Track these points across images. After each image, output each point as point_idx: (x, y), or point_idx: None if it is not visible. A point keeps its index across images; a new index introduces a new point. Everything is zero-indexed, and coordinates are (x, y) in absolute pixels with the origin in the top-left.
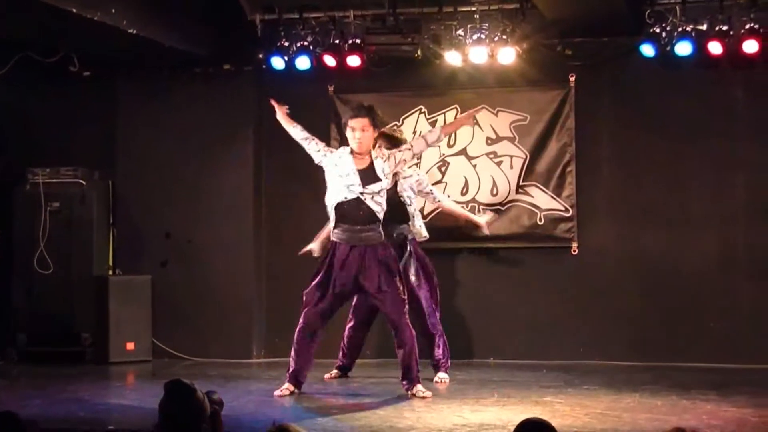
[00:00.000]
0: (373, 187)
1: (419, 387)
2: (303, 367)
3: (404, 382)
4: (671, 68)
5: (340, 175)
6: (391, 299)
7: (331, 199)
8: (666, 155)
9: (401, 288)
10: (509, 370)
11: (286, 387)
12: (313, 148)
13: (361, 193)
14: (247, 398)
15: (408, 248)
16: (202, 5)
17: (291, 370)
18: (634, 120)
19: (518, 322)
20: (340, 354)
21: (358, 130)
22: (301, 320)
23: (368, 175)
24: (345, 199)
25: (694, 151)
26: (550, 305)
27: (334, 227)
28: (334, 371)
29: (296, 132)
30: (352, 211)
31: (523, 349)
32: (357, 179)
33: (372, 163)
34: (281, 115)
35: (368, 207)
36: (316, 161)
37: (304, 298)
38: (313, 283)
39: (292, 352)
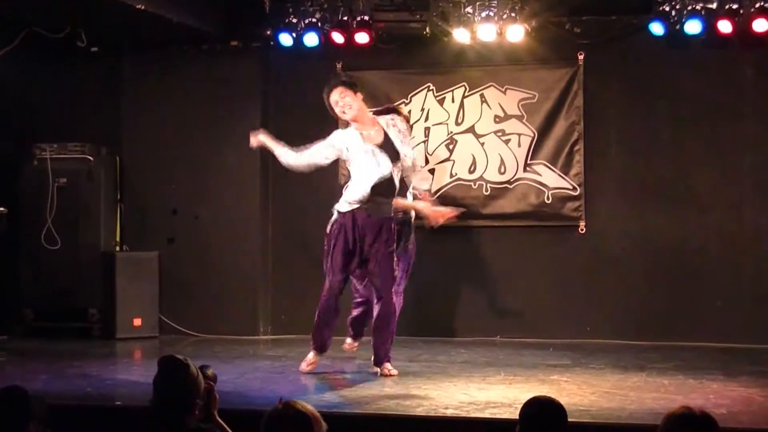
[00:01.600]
0: (399, 162)
1: (388, 365)
2: (328, 338)
3: (374, 359)
4: (680, 47)
5: (365, 151)
6: (382, 271)
7: (367, 179)
8: (674, 134)
9: (394, 262)
10: (515, 348)
11: (312, 359)
12: (320, 154)
13: (392, 171)
14: (254, 375)
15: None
16: None
17: (317, 342)
18: (642, 99)
19: (525, 301)
20: (350, 330)
21: (340, 100)
22: (325, 292)
23: (390, 149)
24: (379, 180)
25: (702, 130)
26: (556, 284)
27: (361, 199)
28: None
29: (294, 158)
30: (385, 186)
31: (530, 327)
32: (384, 157)
33: (386, 135)
34: (264, 140)
35: (394, 181)
36: (339, 157)
37: (327, 269)
38: (335, 254)
39: (317, 324)
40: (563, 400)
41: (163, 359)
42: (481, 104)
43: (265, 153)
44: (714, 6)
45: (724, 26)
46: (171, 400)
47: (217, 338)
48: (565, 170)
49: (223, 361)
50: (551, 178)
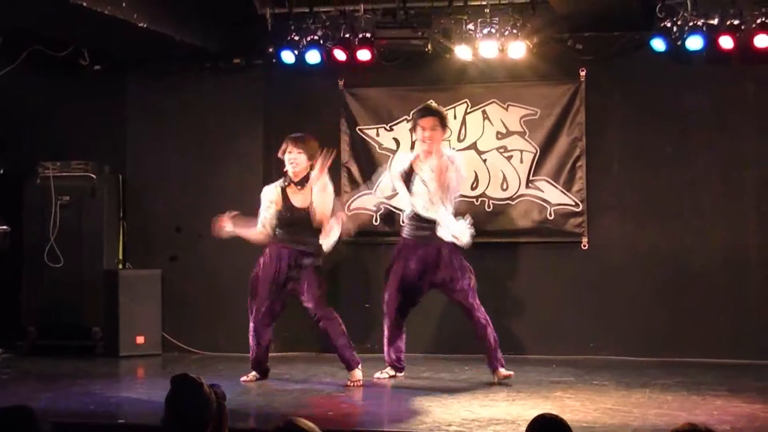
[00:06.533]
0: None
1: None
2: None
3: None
4: (682, 63)
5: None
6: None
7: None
8: (676, 150)
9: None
10: (518, 365)
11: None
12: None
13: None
14: (257, 392)
15: None
16: None
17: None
18: (644, 115)
19: (528, 317)
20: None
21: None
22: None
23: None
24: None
25: (705, 146)
26: (559, 300)
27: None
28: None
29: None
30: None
31: (533, 343)
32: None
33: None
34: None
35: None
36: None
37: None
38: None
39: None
40: (566, 417)
41: (176, 377)
42: (483, 121)
43: (268, 170)
44: (715, 22)
45: (726, 42)
46: (184, 418)
47: (220, 356)
48: (568, 186)
49: (227, 379)
50: (554, 195)
